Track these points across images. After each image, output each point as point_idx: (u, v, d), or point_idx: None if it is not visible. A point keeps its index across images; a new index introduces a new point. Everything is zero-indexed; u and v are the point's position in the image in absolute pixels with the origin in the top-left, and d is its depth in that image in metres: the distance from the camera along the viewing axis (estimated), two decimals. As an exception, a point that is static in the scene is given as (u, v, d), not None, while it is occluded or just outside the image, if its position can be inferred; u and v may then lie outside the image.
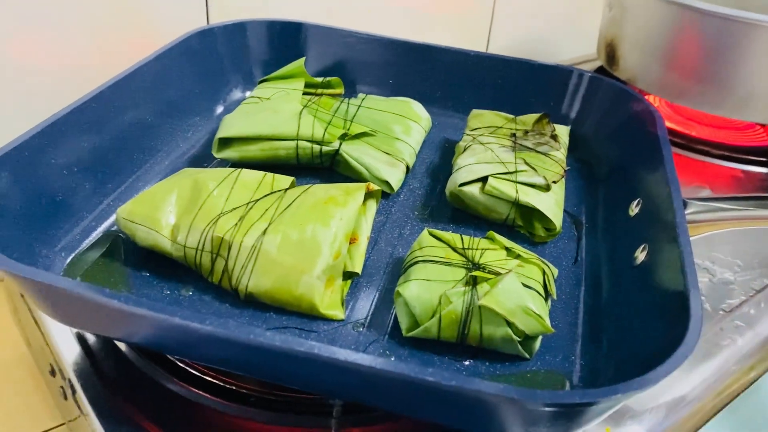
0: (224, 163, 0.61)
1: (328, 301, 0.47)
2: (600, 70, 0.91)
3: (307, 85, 0.67)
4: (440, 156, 0.66)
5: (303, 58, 0.68)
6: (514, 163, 0.56)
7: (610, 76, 0.78)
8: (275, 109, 0.60)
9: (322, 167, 0.61)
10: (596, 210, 0.60)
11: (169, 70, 0.63)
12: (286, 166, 0.60)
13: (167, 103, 0.63)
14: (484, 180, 0.55)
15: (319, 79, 0.68)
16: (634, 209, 0.55)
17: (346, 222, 0.48)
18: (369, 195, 0.52)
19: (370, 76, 0.74)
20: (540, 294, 0.45)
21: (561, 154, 0.60)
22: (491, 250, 0.47)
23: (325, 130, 0.59)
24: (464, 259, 0.47)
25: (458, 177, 0.56)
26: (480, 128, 0.63)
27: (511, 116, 0.65)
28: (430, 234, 0.49)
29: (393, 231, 0.55)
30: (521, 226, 0.56)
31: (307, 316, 0.46)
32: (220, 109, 0.70)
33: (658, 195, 0.51)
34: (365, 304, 0.48)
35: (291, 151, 0.59)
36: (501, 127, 0.63)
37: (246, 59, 0.71)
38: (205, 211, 0.48)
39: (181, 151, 0.63)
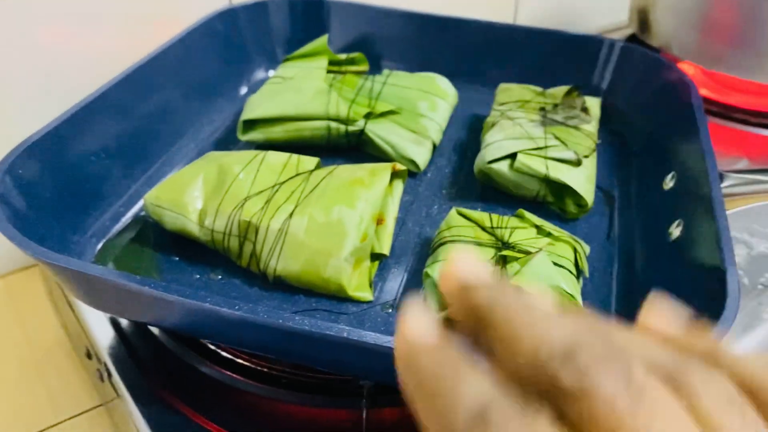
0: (250, 145, 0.60)
1: (356, 283, 0.46)
2: (632, 38, 0.89)
3: (330, 63, 0.66)
4: (468, 132, 0.65)
5: (326, 36, 0.67)
6: (543, 137, 0.55)
7: (643, 45, 0.75)
8: (299, 88, 0.60)
9: (348, 146, 0.60)
10: (629, 184, 0.58)
11: (193, 53, 0.62)
12: (313, 146, 0.59)
13: (191, 86, 0.63)
14: (513, 156, 0.54)
15: (343, 56, 0.67)
16: (668, 183, 0.53)
17: (372, 203, 0.47)
18: (395, 175, 0.51)
19: (395, 51, 0.72)
20: (571, 272, 0.44)
21: (592, 127, 0.59)
22: (521, 229, 0.47)
23: (350, 108, 0.58)
24: (493, 239, 0.46)
25: (486, 154, 0.55)
26: (508, 103, 0.62)
27: (540, 89, 0.64)
28: (459, 213, 0.49)
29: (420, 210, 0.55)
30: (552, 202, 0.55)
31: (336, 298, 0.46)
32: (244, 90, 0.69)
33: (693, 168, 0.50)
34: (394, 285, 0.47)
35: (316, 131, 0.59)
36: (530, 101, 0.62)
37: (269, 38, 0.71)
38: (232, 194, 0.48)
39: (206, 134, 0.63)
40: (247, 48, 0.69)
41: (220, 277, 0.48)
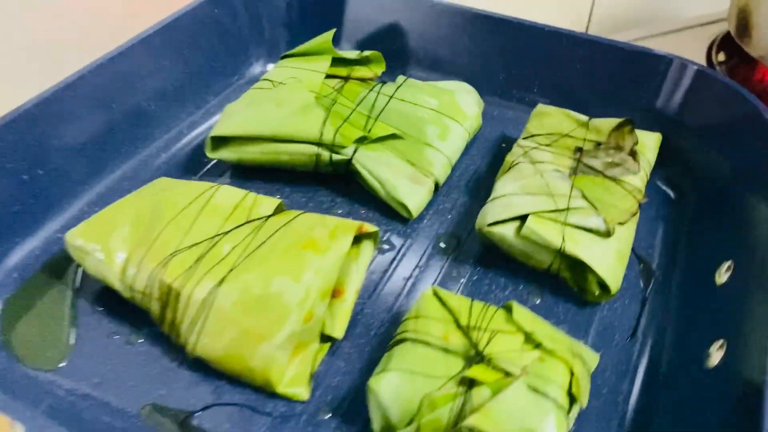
0: (221, 165, 0.52)
1: (292, 375, 0.38)
2: (727, 40, 0.73)
3: (337, 62, 0.55)
4: (489, 161, 0.54)
5: (332, 31, 0.56)
6: (567, 195, 0.43)
7: (739, 52, 0.60)
8: (282, 100, 0.50)
9: (337, 175, 0.50)
10: (675, 259, 0.46)
11: (177, 42, 0.54)
12: (298, 171, 0.50)
13: (171, 83, 0.54)
14: (524, 218, 0.43)
15: (355, 54, 0.56)
16: (722, 275, 0.41)
17: (324, 275, 0.38)
18: (366, 235, 0.41)
19: (420, 50, 0.61)
20: (560, 405, 0.33)
21: (639, 179, 0.46)
22: (505, 334, 0.36)
23: (337, 131, 0.48)
24: (467, 343, 0.36)
25: (489, 212, 0.44)
26: (539, 135, 0.50)
27: (584, 119, 0.51)
28: (435, 294, 0.39)
29: (404, 269, 0.45)
30: (569, 278, 0.43)
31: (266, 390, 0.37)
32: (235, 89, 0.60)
33: (760, 263, 0.37)
34: (343, 380, 0.38)
35: (296, 156, 0.49)
36: (566, 135, 0.49)
37: (270, 28, 0.61)
38: (160, 244, 0.40)
39: (181, 144, 0.54)
40: (244, 38, 0.59)
41: (141, 341, 0.40)
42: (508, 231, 0.43)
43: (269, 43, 0.61)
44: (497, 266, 0.45)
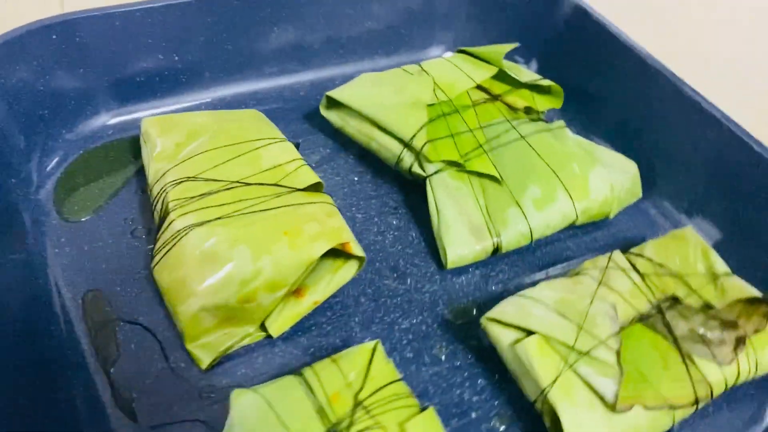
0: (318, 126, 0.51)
1: (207, 342, 0.37)
2: None
3: (502, 77, 0.50)
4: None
5: (514, 45, 0.50)
6: (600, 340, 0.34)
7: None
8: (401, 88, 0.47)
9: (417, 183, 0.46)
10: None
11: None
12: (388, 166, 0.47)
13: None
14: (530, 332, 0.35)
15: (531, 77, 0.50)
16: None
17: (281, 270, 0.36)
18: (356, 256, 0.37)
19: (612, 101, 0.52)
20: None
21: (722, 375, 0.35)
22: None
23: (429, 142, 0.44)
24: (345, 417, 0.31)
25: (503, 305, 0.37)
26: (647, 259, 0.40)
27: (722, 269, 0.40)
28: (373, 351, 0.34)
29: (396, 312, 0.40)
30: (549, 427, 0.35)
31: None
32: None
33: None
34: (245, 373, 0.36)
35: (382, 148, 0.46)
36: (676, 276, 0.39)
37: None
38: (189, 164, 0.41)
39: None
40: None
41: (144, 237, 0.42)
42: (505, 337, 0.36)
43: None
44: (488, 368, 0.38)
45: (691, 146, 0.47)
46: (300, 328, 0.38)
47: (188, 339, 0.36)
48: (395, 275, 0.42)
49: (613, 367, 0.34)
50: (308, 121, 0.51)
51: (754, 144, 0.43)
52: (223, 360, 0.37)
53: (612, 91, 0.52)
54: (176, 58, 0.49)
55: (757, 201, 0.43)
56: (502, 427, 0.36)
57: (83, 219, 0.43)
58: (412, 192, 0.47)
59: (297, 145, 0.46)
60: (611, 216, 0.46)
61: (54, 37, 0.44)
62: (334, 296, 0.40)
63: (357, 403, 0.32)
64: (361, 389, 0.32)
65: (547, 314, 0.35)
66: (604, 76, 0.52)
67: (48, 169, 0.44)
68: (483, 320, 0.37)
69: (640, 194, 0.48)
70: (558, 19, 0.55)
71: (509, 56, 0.56)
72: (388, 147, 0.45)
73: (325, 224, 0.37)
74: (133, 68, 0.48)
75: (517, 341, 0.35)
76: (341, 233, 0.37)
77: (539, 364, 0.34)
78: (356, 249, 0.37)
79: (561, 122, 0.48)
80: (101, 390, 0.34)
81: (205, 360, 0.36)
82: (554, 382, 0.33)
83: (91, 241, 0.41)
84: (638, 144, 0.50)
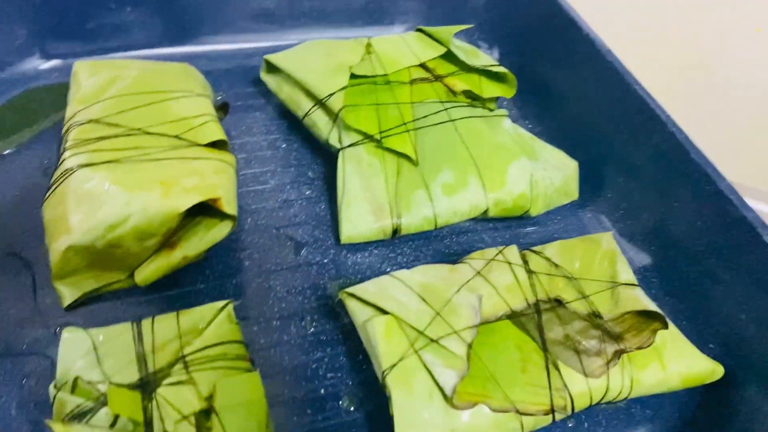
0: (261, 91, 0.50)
1: (73, 280, 0.37)
2: None
3: (451, 59, 0.48)
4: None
5: (467, 26, 0.48)
6: (452, 330, 0.32)
7: None
8: (331, 53, 0.46)
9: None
10: None
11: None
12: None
13: None
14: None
15: (483, 63, 0.48)
16: None
17: (148, 218, 0.35)
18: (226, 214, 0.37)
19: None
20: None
21: (583, 383, 0.33)
22: (182, 386, 0.30)
23: (345, 108, 0.42)
24: (166, 361, 0.31)
25: (367, 284, 0.35)
26: (546, 259, 0.38)
27: (608, 280, 0.37)
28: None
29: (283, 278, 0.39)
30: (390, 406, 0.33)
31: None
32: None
33: None
34: (105, 318, 0.36)
35: (303, 113, 0.45)
36: (571, 278, 0.36)
37: None
38: (100, 107, 0.41)
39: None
40: None
41: (54, 176, 0.43)
42: (361, 314, 0.34)
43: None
44: (353, 348, 0.36)
45: (633, 150, 0.44)
46: (174, 282, 0.38)
47: (55, 277, 0.36)
48: (290, 243, 0.41)
49: (461, 359, 0.32)
50: (254, 86, 0.51)
51: (691, 149, 0.40)
52: (87, 301, 0.37)
53: (569, 87, 0.49)
54: (128, 9, 0.49)
55: (686, 213, 0.40)
56: (351, 408, 0.34)
57: (4, 153, 0.44)
58: (336, 167, 0.46)
59: (225, 105, 0.45)
60: (533, 213, 0.43)
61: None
62: (218, 256, 0.39)
63: (179, 358, 0.31)
64: (188, 344, 0.31)
65: (407, 297, 0.34)
66: (564, 69, 0.50)
67: (-20, 101, 0.46)
68: (342, 294, 0.35)
69: (575, 195, 0.45)
70: (528, 7, 0.52)
71: (473, 40, 0.54)
72: (311, 116, 0.44)
73: (205, 179, 0.37)
74: (85, 15, 0.48)
75: (370, 320, 0.33)
76: (216, 189, 0.36)
77: (384, 345, 0.32)
78: (228, 207, 0.36)
79: (503, 111, 0.46)
80: (-39, 313, 0.35)
81: (67, 298, 0.36)
82: (395, 365, 0.32)
83: (2, 173, 0.42)
84: (586, 145, 0.47)
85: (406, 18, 0.57)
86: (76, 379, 0.30)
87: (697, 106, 0.58)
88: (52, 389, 0.31)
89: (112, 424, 0.28)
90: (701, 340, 0.38)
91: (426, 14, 0.57)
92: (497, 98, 0.48)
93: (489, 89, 0.48)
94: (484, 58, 0.49)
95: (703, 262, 0.39)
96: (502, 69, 0.48)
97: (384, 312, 0.33)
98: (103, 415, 0.29)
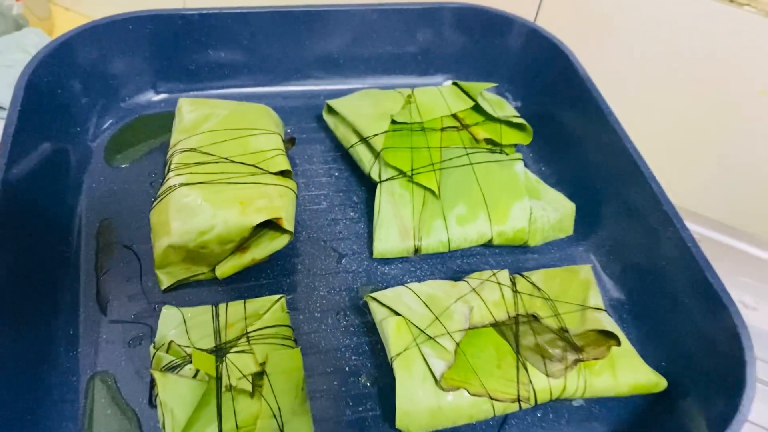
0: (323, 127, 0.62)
1: (171, 270, 0.49)
2: None
3: (479, 110, 0.58)
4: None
5: (493, 84, 0.59)
6: (446, 332, 0.43)
7: None
8: (377, 103, 0.57)
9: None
10: None
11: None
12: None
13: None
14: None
15: (506, 114, 0.58)
16: None
17: (229, 228, 0.46)
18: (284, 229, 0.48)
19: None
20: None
21: (545, 380, 0.42)
22: (247, 355, 0.41)
23: (386, 149, 0.53)
24: (236, 336, 0.42)
25: (388, 291, 0.46)
26: (534, 286, 0.47)
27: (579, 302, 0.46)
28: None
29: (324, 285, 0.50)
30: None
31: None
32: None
33: None
34: (190, 300, 0.48)
35: (354, 153, 0.56)
36: (549, 300, 0.46)
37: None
38: (197, 138, 0.53)
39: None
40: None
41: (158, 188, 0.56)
42: (379, 313, 0.45)
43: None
44: (374, 339, 0.47)
45: (621, 198, 0.53)
46: (243, 277, 0.50)
47: (157, 266, 0.49)
48: (333, 254, 0.52)
49: (450, 353, 0.42)
50: (317, 121, 0.62)
51: (665, 203, 0.49)
52: (179, 286, 0.49)
53: (577, 138, 0.59)
54: (222, 55, 0.62)
55: (655, 255, 0.49)
56: (367, 383, 0.45)
57: (122, 166, 0.57)
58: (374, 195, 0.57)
59: (292, 140, 0.57)
60: (531, 244, 0.53)
61: (130, 27, 0.58)
62: (277, 261, 0.51)
63: (243, 334, 0.43)
64: (251, 324, 0.43)
65: (415, 303, 0.44)
66: (574, 123, 0.59)
67: (106, 125, 0.59)
68: (366, 297, 0.46)
69: (570, 231, 0.55)
70: (549, 68, 0.62)
71: (501, 91, 0.64)
72: (358, 153, 0.55)
73: (272, 202, 0.48)
74: (187, 60, 0.61)
75: (385, 319, 0.44)
76: (279, 211, 0.48)
77: (393, 338, 0.43)
78: (287, 224, 0.47)
79: (518, 155, 0.56)
80: (88, 288, 0.48)
81: (164, 283, 0.49)
82: (399, 354, 0.42)
83: (120, 183, 0.55)
84: (586, 189, 0.56)
85: (448, 68, 0.67)
86: (170, 343, 0.42)
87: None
88: (151, 349, 0.43)
89: (194, 376, 0.40)
90: (656, 358, 0.47)
91: (465, 67, 0.67)
92: (516, 144, 0.58)
93: (509, 137, 0.58)
94: (508, 108, 0.59)
95: (664, 294, 0.48)
96: (521, 120, 0.58)
97: (396, 313, 0.44)
98: (188, 369, 0.41)
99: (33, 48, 0.84)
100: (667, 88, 0.69)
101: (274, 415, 0.39)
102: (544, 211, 0.53)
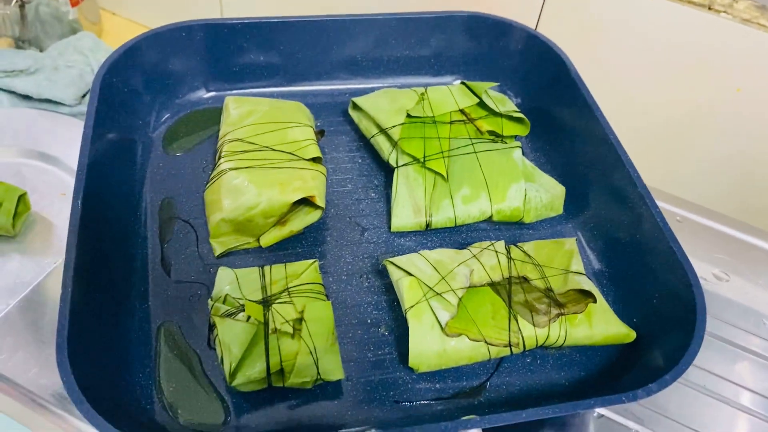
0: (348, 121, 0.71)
1: (224, 240, 0.58)
2: None
3: (483, 106, 0.67)
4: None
5: (494, 84, 0.68)
6: (450, 289, 0.52)
7: None
8: (395, 99, 0.66)
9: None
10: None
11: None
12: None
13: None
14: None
15: (507, 109, 0.67)
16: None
17: (272, 204, 0.56)
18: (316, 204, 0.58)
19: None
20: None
21: (532, 330, 0.51)
22: (288, 304, 0.51)
23: (402, 139, 0.62)
24: (277, 291, 0.52)
25: (404, 256, 0.55)
26: (526, 256, 0.57)
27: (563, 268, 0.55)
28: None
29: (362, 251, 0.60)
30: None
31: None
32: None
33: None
34: (239, 263, 0.58)
35: (375, 143, 0.65)
36: (538, 264, 0.55)
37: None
38: (243, 130, 0.63)
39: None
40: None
41: (209, 173, 0.65)
42: (396, 275, 0.54)
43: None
44: (392, 297, 0.57)
45: (604, 183, 0.62)
46: (282, 246, 0.59)
47: (212, 236, 0.59)
48: (357, 228, 0.62)
49: (454, 306, 0.51)
50: (343, 116, 0.72)
51: (640, 186, 0.57)
52: (229, 254, 0.59)
53: (569, 131, 0.67)
54: (261, 59, 0.71)
55: (630, 229, 0.58)
56: (385, 332, 0.55)
57: (178, 154, 0.66)
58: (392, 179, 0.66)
59: (322, 131, 0.66)
60: (526, 221, 0.62)
61: (183, 34, 0.68)
62: (310, 233, 0.60)
63: (285, 289, 0.52)
64: (291, 281, 0.53)
65: (425, 266, 0.54)
66: (567, 117, 0.68)
67: (164, 119, 0.69)
68: (385, 261, 0.56)
69: (560, 211, 0.64)
70: (545, 68, 0.71)
71: (503, 89, 0.73)
72: (379, 142, 0.65)
73: (306, 183, 0.58)
74: (233, 63, 0.71)
75: (401, 279, 0.54)
76: (313, 190, 0.57)
77: (407, 295, 0.52)
78: (319, 201, 0.57)
79: (517, 143, 0.65)
80: (154, 255, 0.58)
81: (218, 250, 0.58)
82: (412, 306, 0.52)
83: (177, 169, 0.65)
84: (575, 175, 0.65)
85: (457, 70, 0.76)
86: (225, 296, 0.52)
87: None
88: (210, 302, 0.53)
89: (246, 321, 0.50)
90: (629, 315, 0.56)
91: (472, 69, 0.76)
92: (515, 135, 0.67)
93: (509, 129, 0.67)
94: (509, 104, 0.68)
95: (638, 263, 0.57)
96: (520, 115, 0.67)
97: (410, 274, 0.54)
98: (241, 316, 0.50)
99: (88, 50, 0.95)
100: (654, 86, 0.78)
101: (311, 352, 0.49)
102: (538, 192, 0.62)
